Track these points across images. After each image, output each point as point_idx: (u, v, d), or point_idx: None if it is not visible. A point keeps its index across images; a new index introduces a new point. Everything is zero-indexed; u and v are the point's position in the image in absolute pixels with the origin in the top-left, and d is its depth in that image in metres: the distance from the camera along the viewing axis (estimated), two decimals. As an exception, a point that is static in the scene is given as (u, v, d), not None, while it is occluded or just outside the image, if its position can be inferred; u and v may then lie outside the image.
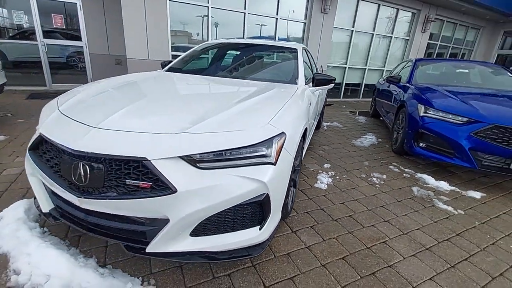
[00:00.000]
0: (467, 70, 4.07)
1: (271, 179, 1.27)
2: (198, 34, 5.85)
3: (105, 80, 2.17)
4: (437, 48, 9.45)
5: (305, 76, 2.49)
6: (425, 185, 2.70)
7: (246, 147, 1.24)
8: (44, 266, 1.28)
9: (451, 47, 9.80)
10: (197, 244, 1.26)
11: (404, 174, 2.91)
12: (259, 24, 6.22)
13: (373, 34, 7.75)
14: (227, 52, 3.04)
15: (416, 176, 2.89)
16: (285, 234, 1.76)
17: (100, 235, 1.31)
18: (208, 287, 1.34)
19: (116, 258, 1.46)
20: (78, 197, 1.22)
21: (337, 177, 2.69)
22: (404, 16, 8.21)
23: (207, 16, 5.60)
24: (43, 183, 1.44)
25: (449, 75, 4.09)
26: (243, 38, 5.81)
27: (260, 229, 1.34)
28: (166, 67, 2.77)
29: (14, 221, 1.56)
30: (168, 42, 5.23)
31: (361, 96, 8.49)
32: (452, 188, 2.67)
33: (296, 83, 2.30)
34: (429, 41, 8.92)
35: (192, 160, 1.19)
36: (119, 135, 1.23)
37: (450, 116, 2.74)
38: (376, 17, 7.64)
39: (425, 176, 2.86)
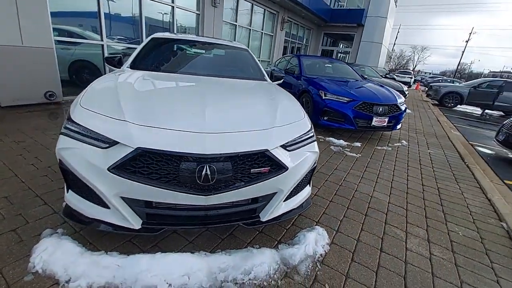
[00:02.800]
0: (330, 65, 6.02)
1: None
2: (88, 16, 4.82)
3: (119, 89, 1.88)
4: (290, 43, 12.22)
5: None
6: (334, 144, 4.14)
7: (305, 133, 1.83)
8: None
9: (296, 43, 12.92)
10: (286, 206, 1.77)
11: (320, 139, 4.26)
12: (160, 13, 5.86)
13: (250, 29, 9.04)
14: (188, 49, 3.08)
15: (326, 139, 4.30)
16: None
17: (218, 224, 1.54)
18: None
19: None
20: (206, 195, 1.40)
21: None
22: (269, 15, 10.03)
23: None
24: (127, 200, 1.39)
25: (321, 68, 5.89)
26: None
27: (309, 187, 2.01)
28: (127, 64, 2.55)
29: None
30: (49, 23, 4.07)
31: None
32: (347, 143, 4.26)
33: (266, 80, 2.91)
34: (285, 38, 11.40)
35: (283, 146, 1.66)
36: (234, 135, 1.48)
37: (340, 97, 4.27)
38: (251, 14, 8.94)
39: (331, 138, 4.32)
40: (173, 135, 1.41)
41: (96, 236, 1.65)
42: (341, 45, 18.42)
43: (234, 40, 8.37)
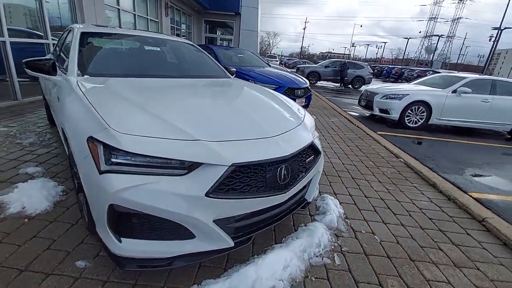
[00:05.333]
0: (242, 55, 6.38)
1: None
2: None
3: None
4: (175, 30, 11.53)
5: None
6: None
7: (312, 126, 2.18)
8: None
9: (181, 30, 12.34)
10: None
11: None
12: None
13: (135, 14, 7.91)
14: (136, 46, 2.55)
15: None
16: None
17: (286, 216, 1.69)
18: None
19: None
20: (284, 192, 1.54)
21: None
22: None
23: None
24: (217, 221, 1.33)
25: (235, 58, 6.16)
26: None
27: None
28: (75, 70, 1.97)
29: None
30: None
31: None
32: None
33: (230, 76, 2.97)
34: (171, 25, 10.67)
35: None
36: (287, 135, 1.63)
37: (268, 86, 4.78)
38: (133, -3, 7.80)
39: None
40: (249, 144, 1.44)
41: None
42: (223, 33, 18.99)
43: (120, 27, 7.22)
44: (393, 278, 1.61)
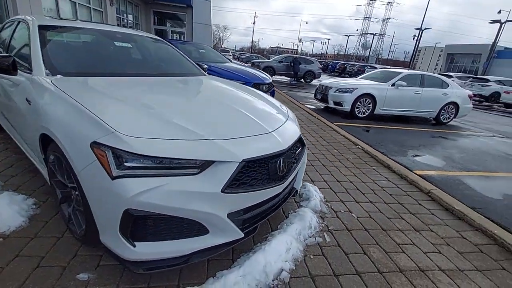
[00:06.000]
0: (203, 50, 6.25)
1: None
2: None
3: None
4: (121, 21, 10.58)
5: None
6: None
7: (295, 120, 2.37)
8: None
9: (128, 21, 11.38)
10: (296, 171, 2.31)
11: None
12: None
13: (75, 2, 7.04)
14: (104, 43, 2.33)
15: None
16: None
17: (282, 205, 1.85)
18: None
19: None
20: (282, 183, 1.69)
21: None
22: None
23: None
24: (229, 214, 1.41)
25: (196, 53, 6.02)
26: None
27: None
28: (42, 69, 1.78)
29: None
30: None
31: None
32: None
33: (204, 74, 2.97)
34: (117, 15, 9.76)
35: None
36: (281, 129, 1.77)
37: (236, 82, 4.85)
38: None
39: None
40: (253, 141, 1.54)
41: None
42: (173, 25, 17.99)
43: (59, 17, 6.40)
44: (373, 246, 1.92)
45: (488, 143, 5.91)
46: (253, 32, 62.35)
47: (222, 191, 1.31)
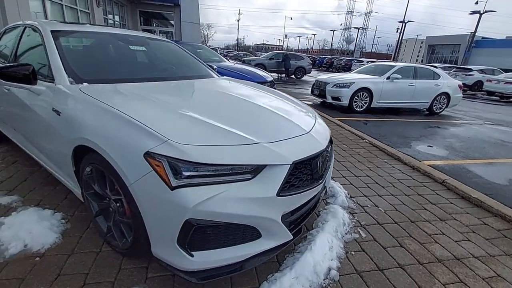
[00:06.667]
0: (201, 50, 6.14)
1: None
2: None
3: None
4: (108, 22, 10.23)
5: None
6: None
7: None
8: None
9: (115, 22, 11.02)
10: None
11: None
12: None
13: (62, 4, 6.74)
14: (121, 48, 2.23)
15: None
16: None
17: (319, 203, 1.85)
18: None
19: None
20: (322, 182, 1.70)
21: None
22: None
23: None
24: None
25: (195, 53, 5.91)
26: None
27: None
28: (64, 77, 1.70)
29: None
30: None
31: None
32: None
33: (218, 75, 2.92)
34: (104, 16, 9.43)
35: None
36: (316, 129, 1.77)
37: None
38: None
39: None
40: (297, 142, 1.53)
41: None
42: (158, 25, 17.55)
43: (46, 19, 6.13)
44: (407, 238, 1.96)
45: (481, 131, 6.15)
46: (238, 29, 61.81)
47: (278, 194, 1.30)
